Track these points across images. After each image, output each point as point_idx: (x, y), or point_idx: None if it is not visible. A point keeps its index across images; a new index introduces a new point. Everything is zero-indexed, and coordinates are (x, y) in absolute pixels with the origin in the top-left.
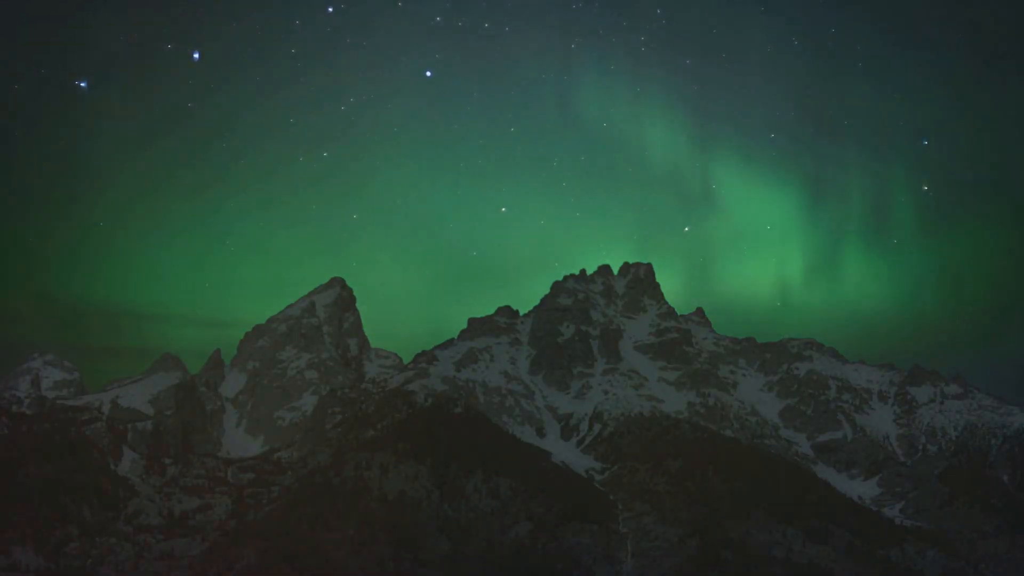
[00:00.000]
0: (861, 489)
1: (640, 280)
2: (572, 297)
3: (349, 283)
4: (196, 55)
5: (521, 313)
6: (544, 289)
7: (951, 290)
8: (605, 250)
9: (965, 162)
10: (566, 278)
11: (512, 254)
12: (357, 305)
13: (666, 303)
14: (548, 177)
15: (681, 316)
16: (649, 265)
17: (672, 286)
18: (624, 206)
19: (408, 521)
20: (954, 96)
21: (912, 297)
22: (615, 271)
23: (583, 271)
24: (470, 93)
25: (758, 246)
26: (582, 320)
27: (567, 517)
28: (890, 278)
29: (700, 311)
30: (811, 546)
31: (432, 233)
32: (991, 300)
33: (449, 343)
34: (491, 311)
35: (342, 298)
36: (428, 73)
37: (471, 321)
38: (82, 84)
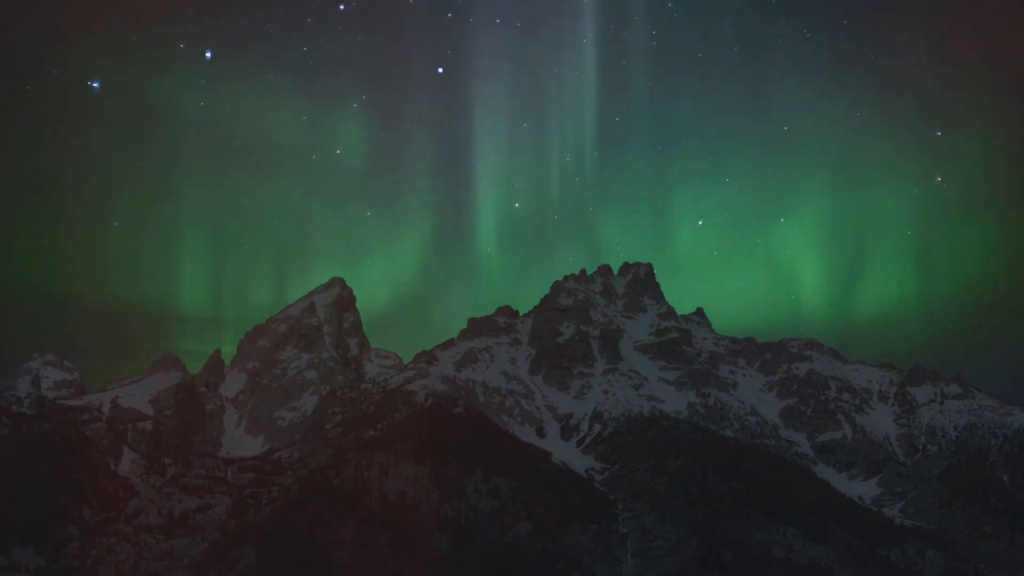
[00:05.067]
0: (861, 489)
1: (640, 280)
2: (572, 297)
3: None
4: (208, 54)
5: (521, 313)
6: (544, 289)
7: (958, 285)
8: (617, 244)
9: (978, 155)
10: (566, 278)
11: (523, 250)
12: (364, 305)
13: (666, 303)
14: (560, 172)
15: (681, 316)
16: (649, 265)
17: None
18: (637, 201)
19: (408, 521)
20: (967, 89)
21: (921, 292)
22: (615, 271)
23: (583, 271)
24: (481, 90)
25: (769, 238)
26: (582, 320)
27: (567, 517)
28: (901, 272)
29: (700, 311)
30: (811, 546)
31: (443, 231)
32: (997, 297)
33: (449, 343)
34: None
35: (342, 298)
36: (439, 70)
37: (471, 321)
38: (94, 84)
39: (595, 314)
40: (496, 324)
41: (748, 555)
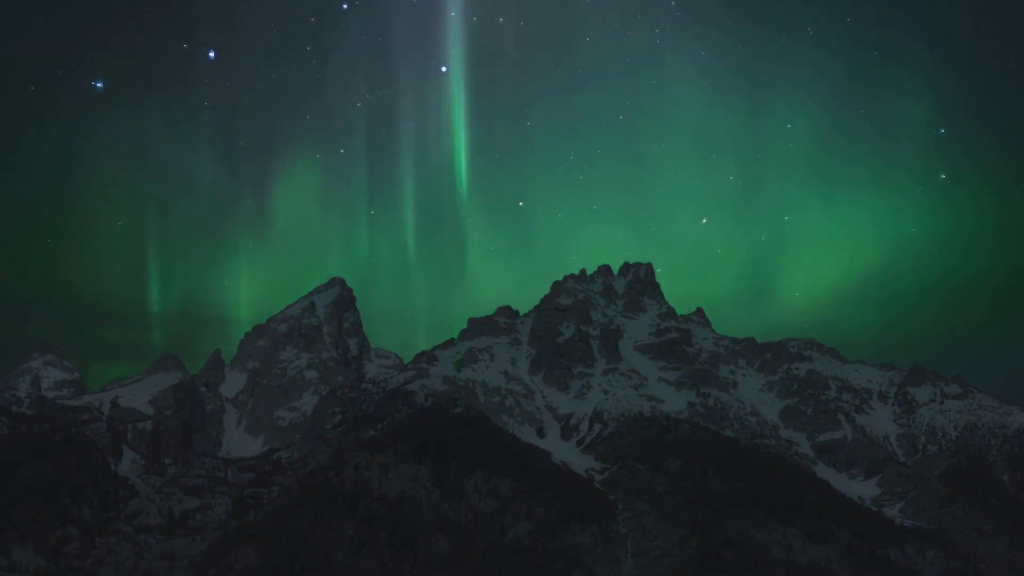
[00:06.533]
0: (861, 489)
1: (640, 280)
2: (572, 297)
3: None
4: (211, 54)
5: (521, 313)
6: (545, 288)
7: (964, 284)
8: (622, 243)
9: (983, 151)
10: (566, 278)
11: (529, 248)
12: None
13: (666, 303)
14: (565, 171)
15: (681, 316)
16: (649, 265)
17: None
18: (640, 198)
19: (408, 521)
20: (971, 85)
21: (926, 290)
22: (615, 271)
23: (583, 271)
24: (485, 88)
25: (774, 236)
26: (582, 320)
27: (567, 517)
28: (904, 270)
29: (700, 311)
30: (811, 546)
31: (450, 227)
32: (998, 293)
33: (449, 343)
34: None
35: (342, 298)
36: (443, 68)
37: (471, 321)
38: (98, 84)
39: (595, 314)
40: (496, 324)
41: (748, 555)
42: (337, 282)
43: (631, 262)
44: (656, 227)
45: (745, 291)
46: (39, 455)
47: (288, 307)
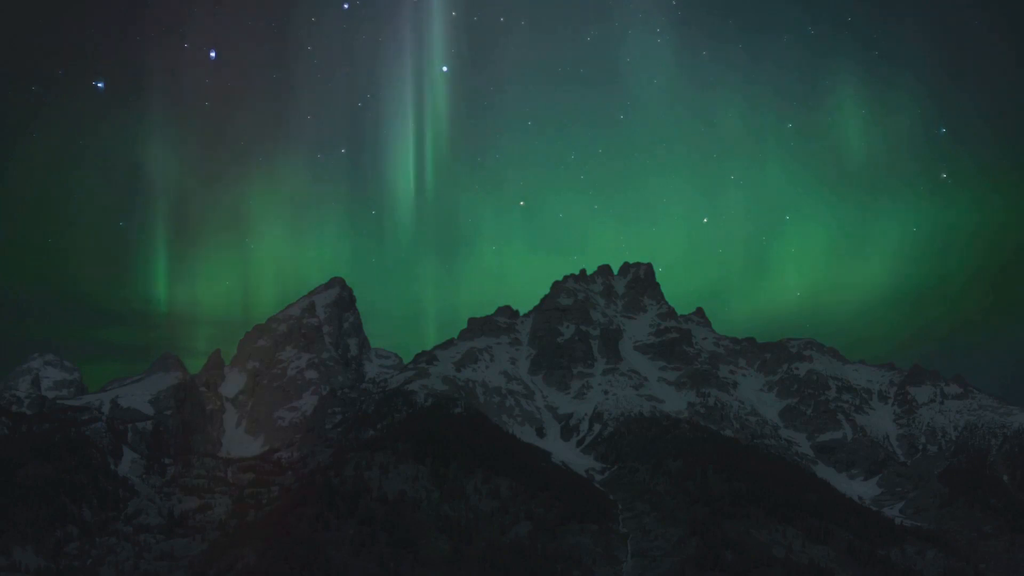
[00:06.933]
0: (861, 489)
1: (640, 280)
2: (572, 297)
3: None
4: (213, 54)
5: (521, 313)
6: (545, 288)
7: (966, 282)
8: (623, 242)
9: (984, 150)
10: (566, 278)
11: (529, 248)
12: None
13: (666, 303)
14: (566, 170)
15: (681, 316)
16: (649, 265)
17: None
18: (641, 198)
19: (408, 521)
20: (971, 85)
21: (928, 289)
22: (615, 271)
23: (583, 271)
24: (487, 88)
25: (775, 236)
26: (582, 320)
27: (567, 517)
28: (906, 269)
29: (700, 311)
30: (811, 546)
31: (451, 228)
32: (999, 293)
33: (449, 343)
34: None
35: (342, 298)
36: (444, 68)
37: (471, 321)
38: (99, 85)
39: (595, 314)
40: (496, 324)
41: (748, 555)
42: (337, 282)
43: (631, 262)
44: (656, 227)
45: (745, 291)
46: (39, 455)
47: (288, 307)
